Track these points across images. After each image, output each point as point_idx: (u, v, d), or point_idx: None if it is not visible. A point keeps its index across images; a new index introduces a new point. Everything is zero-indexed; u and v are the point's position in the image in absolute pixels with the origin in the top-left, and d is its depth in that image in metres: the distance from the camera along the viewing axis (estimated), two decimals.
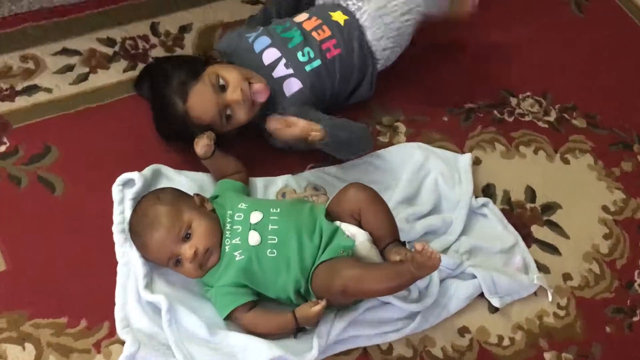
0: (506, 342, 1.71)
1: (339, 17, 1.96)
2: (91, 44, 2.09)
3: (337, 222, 1.65)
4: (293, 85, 1.89)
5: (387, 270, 1.52)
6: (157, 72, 1.84)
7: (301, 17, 1.98)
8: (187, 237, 1.56)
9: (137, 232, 1.60)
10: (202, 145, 1.73)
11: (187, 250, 1.55)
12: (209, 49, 2.04)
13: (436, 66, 2.20)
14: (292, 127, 1.75)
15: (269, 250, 1.58)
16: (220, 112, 1.76)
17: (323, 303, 1.53)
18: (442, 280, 1.72)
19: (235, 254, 1.58)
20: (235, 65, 1.85)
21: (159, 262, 1.60)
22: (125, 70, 2.06)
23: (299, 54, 1.90)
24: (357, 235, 1.62)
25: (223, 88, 1.76)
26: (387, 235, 1.63)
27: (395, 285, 1.50)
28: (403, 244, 1.64)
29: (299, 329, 1.57)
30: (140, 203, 1.63)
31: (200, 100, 1.74)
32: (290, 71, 1.89)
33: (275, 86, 1.87)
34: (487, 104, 2.15)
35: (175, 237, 1.55)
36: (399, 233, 1.65)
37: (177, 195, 1.64)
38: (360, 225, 1.64)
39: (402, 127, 2.06)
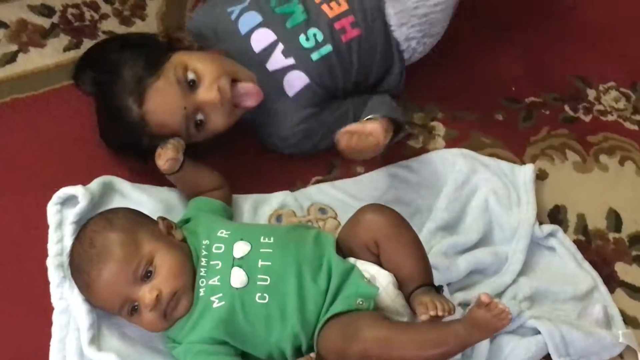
0: None
1: None
2: (21, 13, 2.10)
3: (352, 259, 1.65)
4: (296, 81, 1.91)
5: (425, 333, 1.48)
6: (103, 62, 1.85)
7: None
8: (147, 276, 1.56)
9: (80, 267, 1.59)
10: (165, 158, 1.74)
11: (146, 294, 1.54)
12: (175, 28, 2.06)
13: (488, 46, 2.22)
14: (370, 137, 1.75)
15: (259, 294, 1.57)
16: (188, 117, 1.78)
17: None
18: (493, 338, 1.71)
19: (213, 299, 1.57)
20: (212, 53, 1.86)
21: (109, 309, 1.59)
22: (66, 49, 2.07)
23: (302, 38, 1.91)
24: (378, 278, 1.61)
25: (193, 85, 1.78)
26: (414, 278, 1.61)
27: (435, 355, 1.46)
28: (438, 289, 1.62)
29: None
30: (85, 229, 1.63)
31: (161, 103, 1.76)
32: (291, 61, 1.91)
33: (271, 83, 1.89)
34: (555, 97, 2.16)
35: (131, 276, 1.55)
36: (432, 274, 1.64)
37: (136, 219, 1.65)
38: (379, 263, 1.64)
39: (440, 128, 2.08)
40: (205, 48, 1.88)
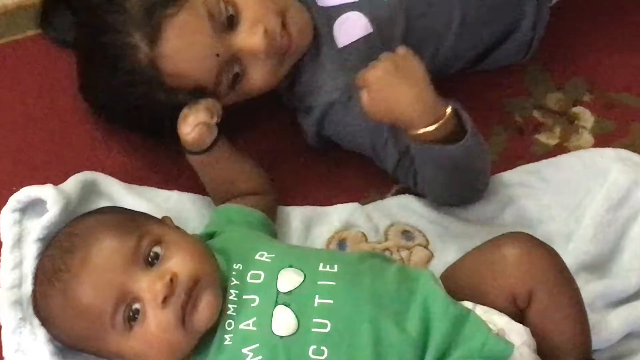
0: None
1: None
2: None
3: (468, 303, 1.62)
4: (354, 27, 1.90)
5: None
6: None
7: None
8: (152, 262, 1.56)
9: (54, 267, 1.58)
10: (194, 122, 1.75)
11: (155, 280, 1.53)
12: None
13: None
14: (403, 72, 1.72)
15: (313, 347, 1.53)
16: (222, 68, 1.79)
17: None
18: None
19: (245, 351, 1.54)
20: None
21: (94, 332, 1.56)
22: None
23: None
24: (509, 334, 1.57)
25: (230, 23, 1.78)
26: (574, 349, 1.60)
27: None
28: None
29: None
30: (59, 233, 1.66)
31: (184, 45, 1.76)
32: None
33: (319, 24, 1.89)
34: None
35: (130, 256, 1.55)
36: (591, 344, 1.64)
37: (133, 212, 1.71)
38: (519, 319, 1.61)
39: (586, 117, 2.05)
40: None
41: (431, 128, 1.72)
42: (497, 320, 1.57)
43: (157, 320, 1.51)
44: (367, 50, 1.89)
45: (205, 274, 1.55)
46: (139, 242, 1.55)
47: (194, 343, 1.56)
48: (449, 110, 1.72)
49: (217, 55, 1.77)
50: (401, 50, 1.76)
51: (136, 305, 1.52)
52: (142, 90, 1.78)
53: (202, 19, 1.75)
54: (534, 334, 1.58)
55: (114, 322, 1.52)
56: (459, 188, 1.88)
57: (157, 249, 1.56)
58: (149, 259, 1.55)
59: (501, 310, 1.60)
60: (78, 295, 1.53)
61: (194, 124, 1.74)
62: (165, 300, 1.50)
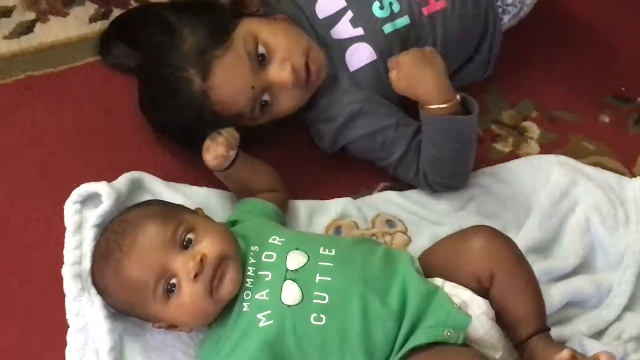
0: None
1: None
2: None
3: (439, 280, 1.68)
4: (361, 55, 1.95)
5: None
6: (153, 24, 1.90)
7: None
8: (186, 245, 1.62)
9: (109, 248, 1.64)
10: (214, 154, 1.80)
11: (188, 259, 1.59)
12: None
13: (592, 33, 2.24)
14: (429, 61, 1.82)
15: (314, 314, 1.60)
16: (256, 97, 1.84)
17: None
18: None
19: (259, 316, 1.60)
20: (280, 21, 1.92)
21: (139, 300, 1.63)
22: (92, 20, 2.12)
23: (376, 6, 1.96)
24: (470, 305, 1.63)
25: (263, 60, 1.84)
26: (530, 320, 1.63)
27: None
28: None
29: None
30: (113, 220, 1.70)
31: (230, 80, 1.81)
32: (360, 32, 1.96)
33: (333, 54, 1.94)
34: None
35: (169, 240, 1.61)
36: (546, 316, 1.67)
37: (172, 204, 1.74)
38: (483, 295, 1.66)
39: (533, 130, 2.11)
40: (271, 15, 1.93)
41: (444, 105, 1.81)
42: (462, 294, 1.62)
43: (189, 292, 1.58)
44: (373, 72, 1.95)
45: (229, 254, 1.60)
46: (176, 229, 1.60)
47: (219, 310, 1.61)
48: (458, 96, 1.83)
49: (253, 87, 1.81)
50: (428, 48, 1.86)
51: (173, 280, 1.59)
52: (194, 114, 1.81)
53: (243, 58, 1.80)
54: (498, 309, 1.63)
55: (155, 293, 1.59)
56: (453, 164, 1.91)
57: (190, 235, 1.61)
58: (184, 243, 1.60)
59: (467, 287, 1.65)
60: (127, 271, 1.60)
61: (214, 155, 1.78)
62: (196, 276, 1.56)
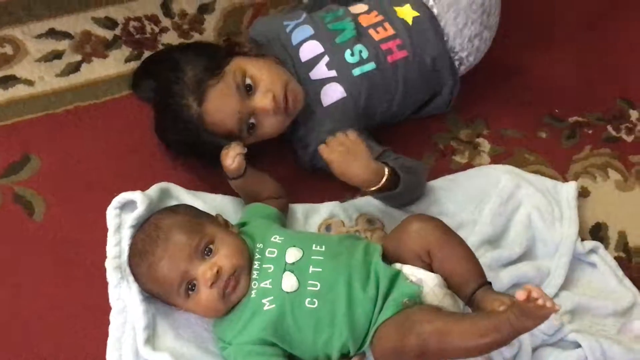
0: None
1: (406, 13, 2.00)
2: (85, 25, 2.13)
3: (398, 265, 1.66)
4: (333, 93, 1.94)
5: (479, 322, 1.45)
6: (165, 62, 1.90)
7: (359, 9, 2.03)
8: (207, 254, 1.61)
9: (144, 250, 1.63)
10: (233, 155, 1.76)
11: (207, 269, 1.58)
12: (235, 33, 2.10)
13: (533, 65, 2.23)
14: (353, 154, 1.76)
15: (308, 299, 1.59)
16: (242, 120, 1.83)
17: None
18: (535, 349, 1.71)
19: (264, 301, 1.60)
20: (267, 60, 1.90)
21: (168, 289, 1.62)
22: (127, 60, 2.10)
23: (347, 53, 1.94)
24: (425, 281, 1.61)
25: (250, 90, 1.82)
26: (471, 278, 1.60)
27: (489, 342, 1.43)
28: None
29: None
30: (148, 220, 1.69)
31: (220, 105, 1.80)
32: (333, 73, 1.94)
33: (310, 90, 1.93)
34: (598, 117, 2.16)
35: (192, 251, 1.59)
36: (485, 273, 1.63)
37: (197, 210, 1.72)
38: (431, 270, 1.64)
39: (485, 144, 2.09)
40: (260, 54, 1.92)
41: (377, 186, 1.78)
42: (417, 273, 1.61)
43: (205, 295, 1.59)
44: (343, 107, 1.93)
45: (241, 265, 1.60)
46: (200, 241, 1.59)
47: (229, 308, 1.61)
48: (386, 170, 1.78)
49: (239, 112, 1.80)
50: (351, 135, 1.78)
51: (193, 282, 1.59)
52: (194, 134, 1.82)
53: (231, 87, 1.80)
54: (443, 277, 1.61)
55: (179, 291, 1.60)
56: (405, 203, 1.91)
57: (211, 246, 1.60)
58: (205, 251, 1.59)
59: (416, 265, 1.64)
60: (157, 272, 1.60)
61: (233, 157, 1.75)
62: (212, 284, 1.57)
